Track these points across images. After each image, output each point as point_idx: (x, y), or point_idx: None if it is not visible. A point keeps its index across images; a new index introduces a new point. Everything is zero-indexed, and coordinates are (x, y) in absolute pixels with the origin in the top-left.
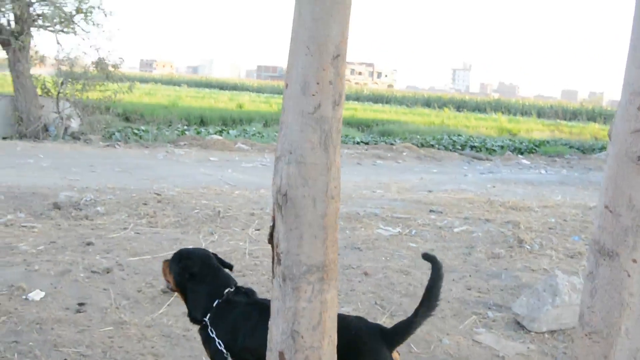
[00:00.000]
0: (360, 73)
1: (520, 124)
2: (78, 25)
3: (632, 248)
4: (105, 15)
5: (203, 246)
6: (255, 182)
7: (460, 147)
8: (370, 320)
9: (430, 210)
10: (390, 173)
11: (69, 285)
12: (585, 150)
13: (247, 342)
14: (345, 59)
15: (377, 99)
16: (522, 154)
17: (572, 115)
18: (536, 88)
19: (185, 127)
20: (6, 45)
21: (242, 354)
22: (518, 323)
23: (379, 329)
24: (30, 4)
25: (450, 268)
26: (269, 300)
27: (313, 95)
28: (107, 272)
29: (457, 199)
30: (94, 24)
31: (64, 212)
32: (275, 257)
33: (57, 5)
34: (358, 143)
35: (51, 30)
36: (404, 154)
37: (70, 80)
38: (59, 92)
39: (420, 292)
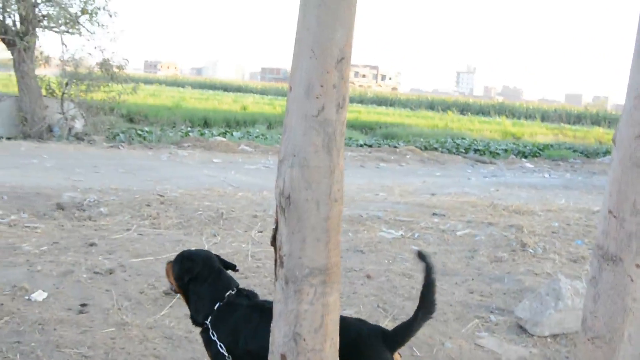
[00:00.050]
0: (364, 75)
1: (524, 128)
2: (83, 26)
3: (636, 253)
4: (110, 16)
5: (206, 248)
6: (258, 184)
7: (463, 151)
8: (372, 323)
9: (433, 214)
10: (394, 176)
11: (71, 286)
12: (589, 154)
13: (248, 345)
14: (349, 62)
15: (380, 101)
16: (526, 157)
17: (576, 119)
18: (540, 92)
19: (189, 128)
20: (11, 45)
21: (244, 357)
22: (521, 327)
23: (380, 331)
24: (35, 5)
25: (452, 271)
26: (271, 302)
27: (317, 98)
28: (110, 273)
29: (460, 202)
30: (99, 25)
31: (67, 213)
32: (278, 260)
33: (63, 6)
34: (361, 146)
35: (56, 31)
36: (408, 157)
37: (74, 81)
38: (63, 93)
39: None
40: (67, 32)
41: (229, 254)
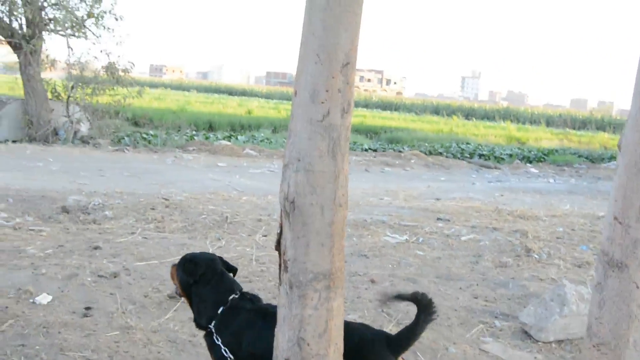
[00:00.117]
0: (369, 80)
1: (529, 133)
2: (89, 30)
3: None
4: (116, 20)
5: (210, 252)
6: (263, 188)
7: (468, 155)
8: (376, 328)
9: (438, 218)
10: (398, 180)
11: (76, 289)
12: (594, 159)
13: (252, 349)
14: (354, 67)
15: (385, 106)
16: (530, 162)
17: (582, 124)
18: (545, 96)
19: (194, 132)
20: (18, 48)
21: None
22: (525, 332)
23: (384, 335)
24: (42, 8)
25: (457, 276)
26: (274, 306)
27: (322, 103)
28: (114, 277)
29: (465, 207)
30: (105, 29)
31: (72, 216)
32: (282, 264)
33: (69, 9)
34: (366, 150)
35: (62, 35)
36: (412, 161)
37: (80, 84)
38: (69, 96)
39: None
40: (73, 35)
41: (233, 257)
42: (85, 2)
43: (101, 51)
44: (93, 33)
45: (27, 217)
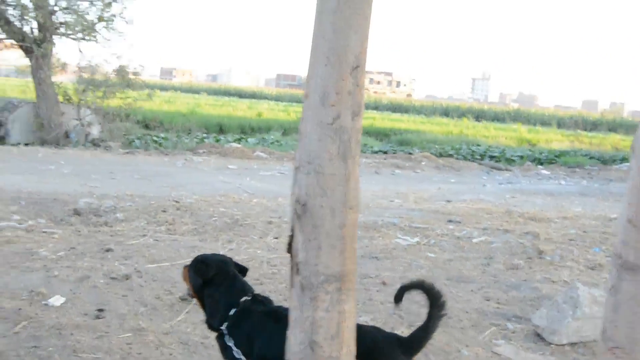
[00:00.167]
0: (378, 82)
1: (540, 134)
2: (99, 34)
3: None
4: (127, 23)
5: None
6: (273, 190)
7: (479, 157)
8: (388, 330)
9: (449, 221)
10: (409, 182)
11: (88, 291)
12: (605, 161)
13: (263, 351)
14: (364, 70)
15: (395, 108)
16: (541, 164)
17: (593, 125)
18: (556, 98)
19: (204, 135)
20: (29, 52)
21: None
22: (538, 335)
23: (395, 338)
24: (53, 12)
25: (468, 278)
26: (286, 309)
27: (332, 105)
28: (126, 279)
29: (476, 209)
30: (115, 32)
31: (83, 219)
32: (294, 267)
33: (80, 13)
34: (376, 152)
35: (73, 38)
36: (423, 163)
37: (91, 87)
38: (80, 99)
39: None
40: (84, 39)
41: (244, 260)
42: (95, 6)
43: (112, 54)
44: (103, 37)
45: (40, 220)
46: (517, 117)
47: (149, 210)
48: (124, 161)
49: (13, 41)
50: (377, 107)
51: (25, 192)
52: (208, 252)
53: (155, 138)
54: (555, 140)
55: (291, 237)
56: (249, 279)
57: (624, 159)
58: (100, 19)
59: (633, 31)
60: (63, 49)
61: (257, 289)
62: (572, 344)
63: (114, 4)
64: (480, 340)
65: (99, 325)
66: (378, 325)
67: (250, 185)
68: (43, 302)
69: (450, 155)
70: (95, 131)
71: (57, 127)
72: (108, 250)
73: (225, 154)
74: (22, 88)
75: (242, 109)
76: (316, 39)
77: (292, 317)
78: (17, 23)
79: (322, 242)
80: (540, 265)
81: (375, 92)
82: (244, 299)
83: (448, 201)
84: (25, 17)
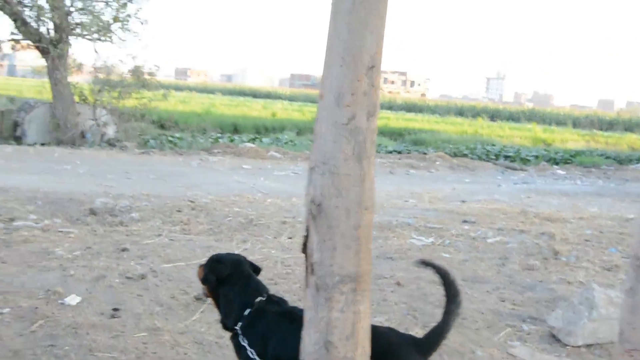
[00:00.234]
0: (393, 82)
1: (555, 134)
2: (115, 34)
3: None
4: (142, 24)
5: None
6: (287, 190)
7: (494, 157)
8: (402, 331)
9: (464, 221)
10: (423, 182)
11: (103, 290)
12: (621, 161)
13: (278, 352)
14: (380, 70)
15: (409, 107)
16: (557, 164)
17: (609, 125)
18: (571, 97)
19: (219, 135)
20: (45, 53)
21: None
22: (553, 336)
23: (411, 339)
24: (69, 13)
25: (483, 279)
26: (301, 309)
27: (347, 106)
28: (142, 279)
29: (491, 209)
30: (130, 33)
31: (99, 218)
32: (309, 267)
33: (95, 14)
34: (391, 152)
35: (89, 39)
36: (437, 163)
37: (106, 87)
38: (95, 100)
39: None
40: (100, 39)
41: (258, 259)
42: (111, 6)
43: (127, 55)
44: (119, 37)
45: (56, 219)
46: (532, 116)
47: (165, 210)
48: (139, 161)
49: (30, 42)
50: (391, 106)
51: (41, 192)
52: (223, 251)
53: (170, 138)
54: (570, 140)
55: (306, 237)
56: (263, 279)
57: None
58: (116, 19)
59: None
60: (79, 49)
61: (272, 289)
62: (588, 346)
63: (129, 4)
64: (495, 341)
65: (115, 325)
66: (392, 325)
67: (264, 185)
68: (59, 302)
69: (465, 155)
70: (110, 131)
71: (73, 128)
72: (124, 249)
73: (239, 154)
74: (39, 88)
75: (256, 109)
76: (331, 39)
77: (307, 317)
78: (33, 24)
79: (337, 242)
80: (555, 265)
81: (389, 92)
82: (258, 299)
83: (463, 201)
84: (42, 18)
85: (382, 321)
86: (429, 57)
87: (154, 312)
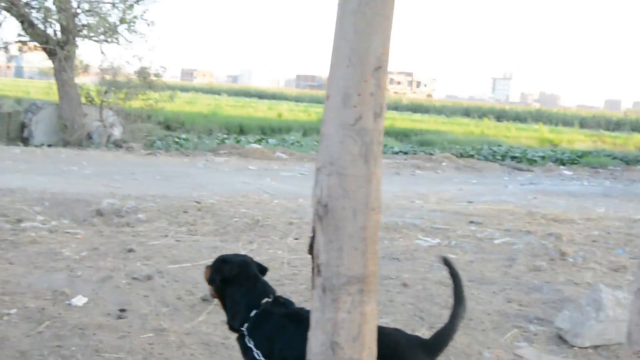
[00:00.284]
0: (399, 82)
1: (562, 135)
2: (121, 35)
3: None
4: (148, 25)
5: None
6: (293, 191)
7: (500, 158)
8: (409, 332)
9: (470, 222)
10: (429, 183)
11: (110, 291)
12: (629, 161)
13: (284, 353)
14: (386, 71)
15: (416, 108)
16: (564, 165)
17: (616, 125)
18: (578, 98)
19: (225, 135)
20: (52, 54)
21: None
22: (560, 338)
23: (417, 341)
24: (75, 15)
25: (490, 280)
26: (307, 311)
27: (354, 107)
28: (148, 279)
29: (497, 210)
30: (137, 34)
31: (106, 219)
32: (315, 268)
33: (102, 15)
34: (397, 153)
35: (95, 40)
36: (443, 164)
37: (113, 89)
38: (102, 101)
39: None
40: (106, 41)
41: (265, 260)
42: (117, 8)
43: (133, 56)
44: (125, 38)
45: (63, 220)
46: (539, 117)
47: (171, 210)
48: (145, 162)
49: (37, 43)
50: (397, 107)
51: (48, 193)
52: (229, 252)
53: (176, 139)
54: (577, 140)
55: (312, 238)
56: (269, 279)
57: None
58: (122, 21)
59: None
60: (85, 50)
61: (278, 290)
62: (595, 347)
63: (135, 6)
64: (501, 342)
65: (121, 325)
66: (399, 326)
67: (270, 186)
68: (66, 302)
69: (471, 156)
70: (117, 132)
71: (79, 129)
72: (130, 250)
73: (245, 155)
74: (46, 90)
75: (262, 110)
76: (338, 40)
77: (314, 318)
78: (40, 26)
79: (344, 243)
80: (562, 267)
81: (395, 93)
82: (265, 300)
83: (469, 202)
84: (49, 20)
85: (388, 322)
86: (435, 58)
87: (160, 313)
